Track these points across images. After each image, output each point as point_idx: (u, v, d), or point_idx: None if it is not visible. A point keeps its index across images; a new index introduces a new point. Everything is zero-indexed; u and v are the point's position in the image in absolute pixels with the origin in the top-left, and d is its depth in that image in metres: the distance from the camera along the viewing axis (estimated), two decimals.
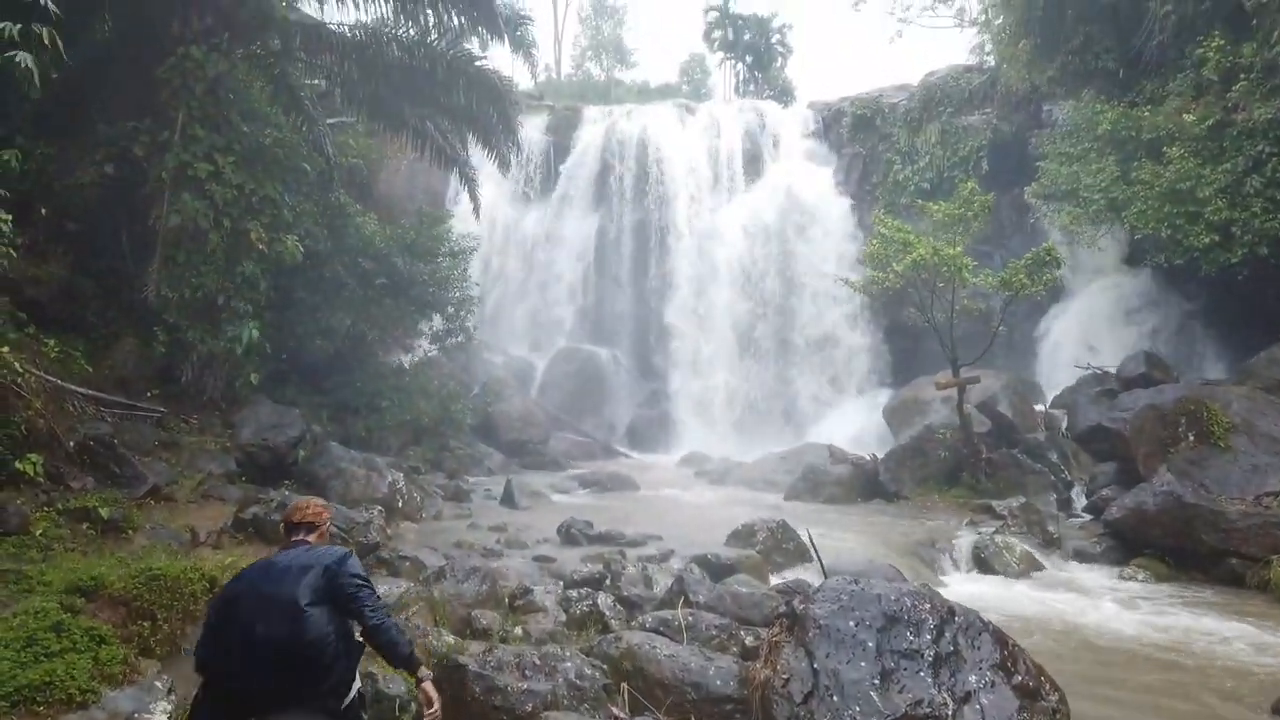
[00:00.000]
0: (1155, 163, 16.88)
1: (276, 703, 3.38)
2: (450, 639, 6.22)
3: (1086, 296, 19.94)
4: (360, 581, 3.62)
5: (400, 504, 11.89)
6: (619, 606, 7.38)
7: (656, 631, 6.39)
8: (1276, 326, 15.16)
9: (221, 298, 13.21)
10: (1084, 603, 9.40)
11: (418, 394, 17.29)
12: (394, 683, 5.36)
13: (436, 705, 3.76)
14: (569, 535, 10.83)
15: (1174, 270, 17.08)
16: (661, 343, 25.13)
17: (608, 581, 8.27)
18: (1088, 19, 19.30)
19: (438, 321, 19.05)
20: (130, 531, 8.47)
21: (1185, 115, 16.62)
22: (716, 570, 8.95)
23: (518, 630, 6.38)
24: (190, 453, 11.63)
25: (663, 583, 8.12)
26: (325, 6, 15.32)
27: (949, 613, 5.30)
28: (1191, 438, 12.61)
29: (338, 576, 3.56)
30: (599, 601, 7.24)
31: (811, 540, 7.63)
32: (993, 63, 24.27)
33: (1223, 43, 16.20)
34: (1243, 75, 15.88)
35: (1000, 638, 5.31)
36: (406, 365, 18.64)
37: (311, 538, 3.89)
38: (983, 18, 29.27)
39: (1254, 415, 12.85)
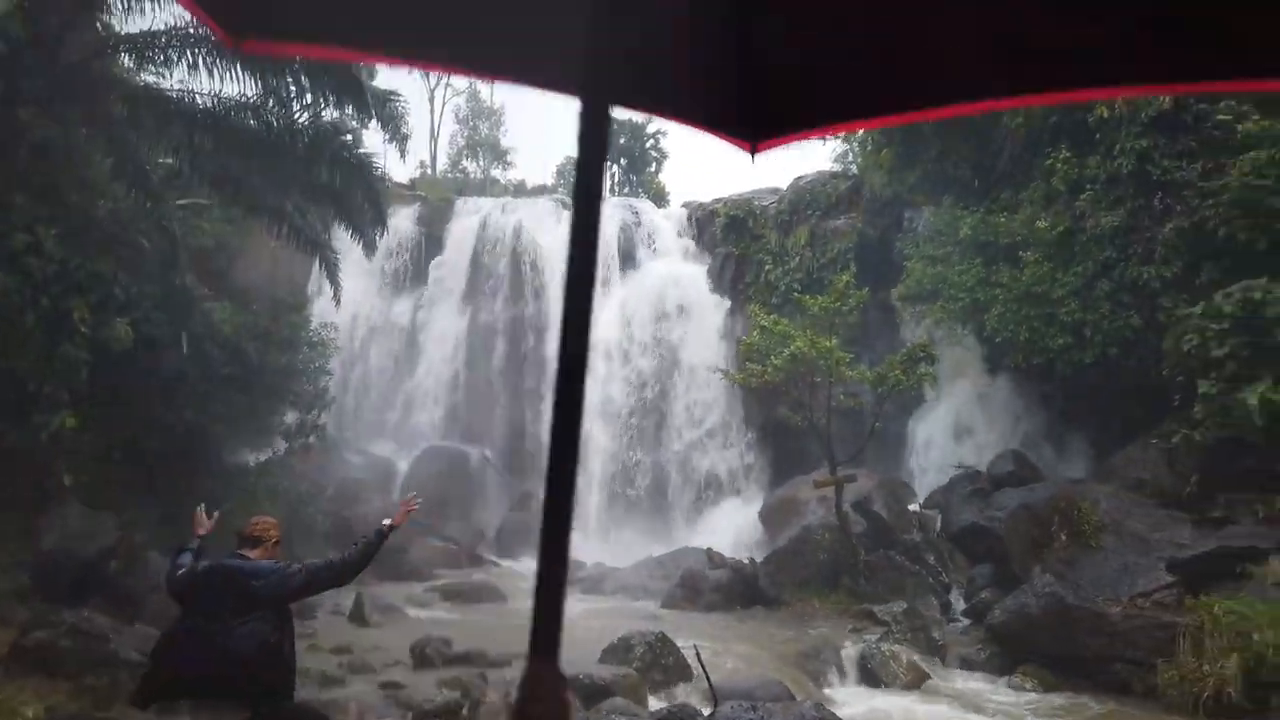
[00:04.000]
0: (1013, 267, 17.55)
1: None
2: None
3: (952, 397, 20.34)
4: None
5: None
6: None
7: None
8: (1132, 426, 15.65)
9: (33, 384, 11.68)
10: (977, 719, 8.90)
11: (264, 497, 15.64)
12: None
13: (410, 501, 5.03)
14: (424, 656, 9.64)
15: (1034, 371, 17.60)
16: (534, 443, 24.14)
17: (464, 711, 7.22)
18: (944, 130, 20.20)
19: (291, 417, 17.64)
20: None
21: (1038, 222, 17.41)
22: (589, 693, 8.04)
23: None
24: None
25: None
26: (174, 73, 14.24)
27: None
28: (1064, 537, 12.59)
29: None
30: None
31: (700, 658, 6.85)
32: (856, 170, 25.27)
33: (1069, 155, 17.12)
34: (1088, 185, 16.82)
35: None
36: (253, 465, 17.05)
37: (253, 553, 4.60)
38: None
39: (1121, 514, 12.98)
